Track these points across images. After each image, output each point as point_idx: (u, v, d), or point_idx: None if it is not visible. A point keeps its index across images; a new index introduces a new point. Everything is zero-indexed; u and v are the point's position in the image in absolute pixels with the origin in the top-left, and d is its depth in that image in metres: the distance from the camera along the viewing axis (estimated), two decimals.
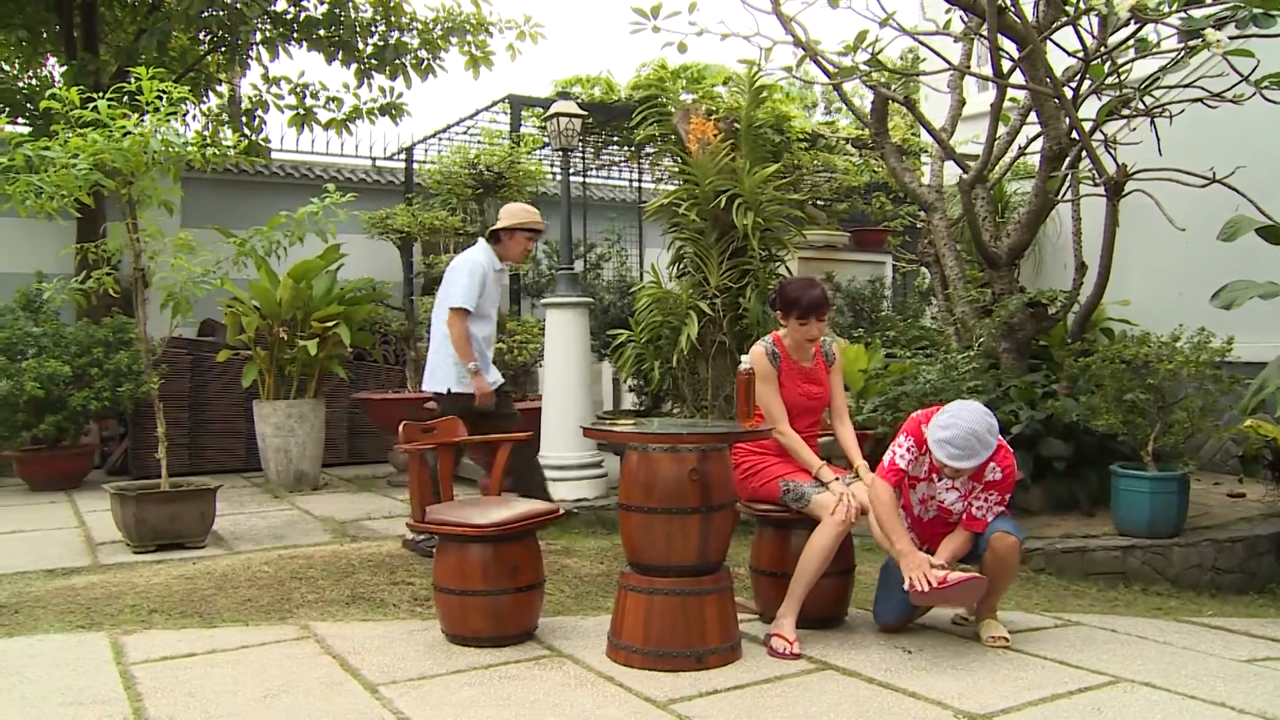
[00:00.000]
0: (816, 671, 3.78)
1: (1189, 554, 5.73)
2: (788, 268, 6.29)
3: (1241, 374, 6.15)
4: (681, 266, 6.14)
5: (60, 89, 5.69)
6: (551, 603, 4.77)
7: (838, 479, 4.16)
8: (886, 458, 4.09)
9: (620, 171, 10.41)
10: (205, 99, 9.90)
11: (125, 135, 5.49)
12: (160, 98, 5.65)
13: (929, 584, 3.85)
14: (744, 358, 4.04)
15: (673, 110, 6.30)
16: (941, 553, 4.08)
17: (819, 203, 9.15)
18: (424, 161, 9.20)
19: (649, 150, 8.05)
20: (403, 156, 10.36)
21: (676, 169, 6.13)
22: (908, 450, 4.05)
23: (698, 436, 3.85)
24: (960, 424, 3.84)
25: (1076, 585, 5.48)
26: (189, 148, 5.74)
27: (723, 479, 3.84)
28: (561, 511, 4.42)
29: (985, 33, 6.07)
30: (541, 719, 3.34)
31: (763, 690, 3.57)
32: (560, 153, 6.27)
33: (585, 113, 6.44)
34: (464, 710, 3.42)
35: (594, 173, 10.56)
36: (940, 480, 4.11)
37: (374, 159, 11.05)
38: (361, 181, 10.76)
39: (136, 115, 5.48)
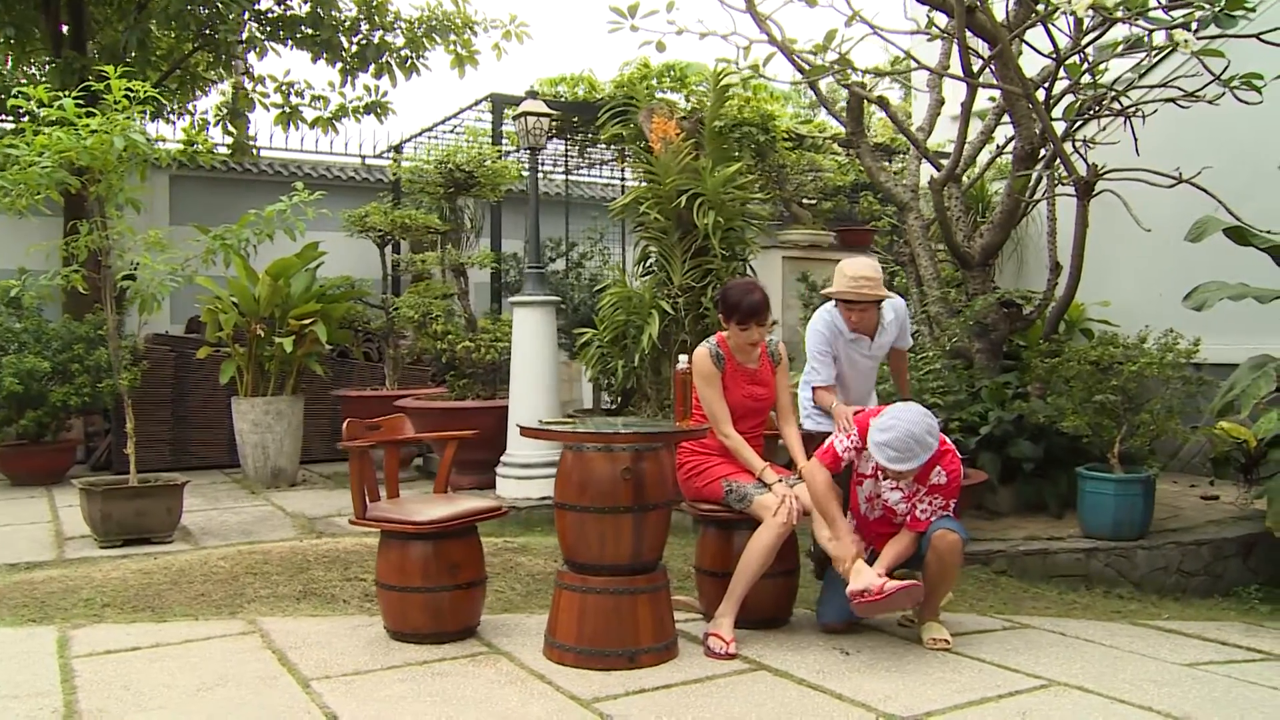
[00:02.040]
0: (749, 672, 3.77)
1: (1153, 557, 5.68)
2: (750, 267, 6.28)
3: (1218, 376, 6.10)
4: (647, 265, 6.14)
5: (29, 87, 5.73)
6: (501, 599, 4.79)
7: (781, 480, 4.15)
8: (827, 443, 4.10)
9: (610, 170, 10.41)
10: (194, 98, 9.96)
11: (92, 134, 5.52)
12: (127, 96, 5.68)
13: (865, 589, 3.83)
14: (681, 357, 4.04)
15: (639, 109, 6.29)
16: (885, 556, 4.07)
17: (804, 202, 9.11)
18: (411, 159, 9.22)
19: (614, 149, 8.07)
20: (391, 155, 10.40)
21: (641, 168, 6.13)
22: (851, 443, 4.05)
23: (631, 436, 3.85)
24: (900, 426, 3.84)
25: (1037, 588, 5.44)
26: (159, 146, 5.77)
27: (657, 478, 3.83)
28: (505, 510, 4.43)
29: (954, 32, 6.04)
30: (466, 715, 3.35)
31: (690, 690, 3.57)
32: (529, 151, 6.27)
33: (553, 112, 6.44)
34: (390, 706, 3.44)
35: (583, 171, 10.57)
36: (884, 480, 4.10)
37: (363, 157, 11.10)
38: (350, 180, 10.81)
39: (101, 114, 5.51)
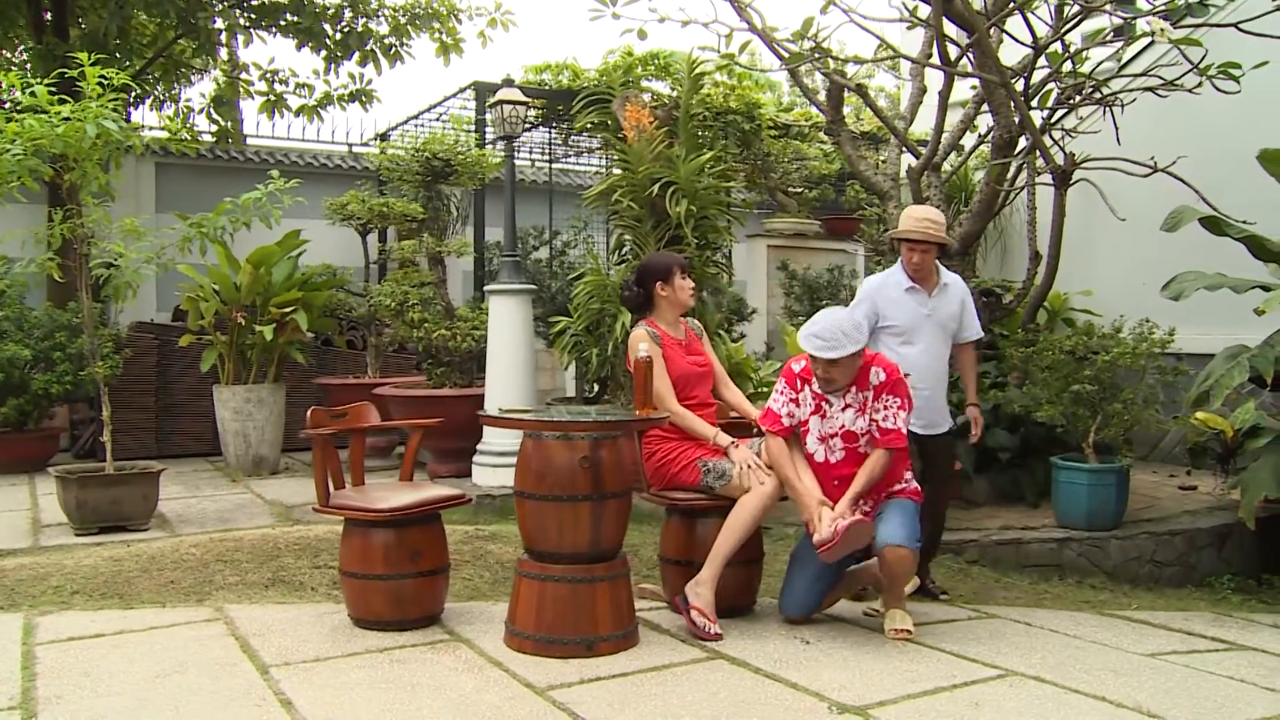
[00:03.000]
0: (707, 661, 3.77)
1: (1126, 547, 5.69)
2: (724, 254, 6.27)
3: (1199, 366, 6.08)
4: (622, 254, 6.14)
5: (6, 74, 5.72)
6: (469, 587, 4.80)
7: (736, 444, 4.20)
8: (765, 407, 4.19)
9: (597, 158, 10.37)
10: (178, 85, 9.93)
11: (64, 121, 5.50)
12: (101, 84, 5.67)
13: (829, 531, 3.85)
14: (642, 346, 4.03)
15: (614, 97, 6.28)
16: (858, 480, 4.01)
17: (790, 190, 9.09)
18: (395, 147, 9.20)
19: (599, 137, 8.05)
20: (378, 143, 10.39)
21: (616, 156, 6.12)
22: (781, 393, 4.14)
23: (589, 424, 3.84)
24: (823, 318, 4.01)
25: (1009, 578, 5.45)
26: (145, 134, 5.76)
27: (616, 466, 3.83)
28: (467, 498, 4.43)
29: (932, 20, 6.02)
30: (419, 701, 3.36)
31: (645, 679, 3.57)
32: (506, 140, 6.26)
33: (529, 99, 6.42)
34: (345, 692, 3.45)
35: (571, 159, 10.55)
36: (831, 406, 4.06)
37: (350, 145, 11.08)
38: (338, 168, 10.78)
39: (73, 101, 5.50)
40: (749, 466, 4.10)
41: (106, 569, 5.03)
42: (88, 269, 5.98)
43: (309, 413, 4.34)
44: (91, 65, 5.68)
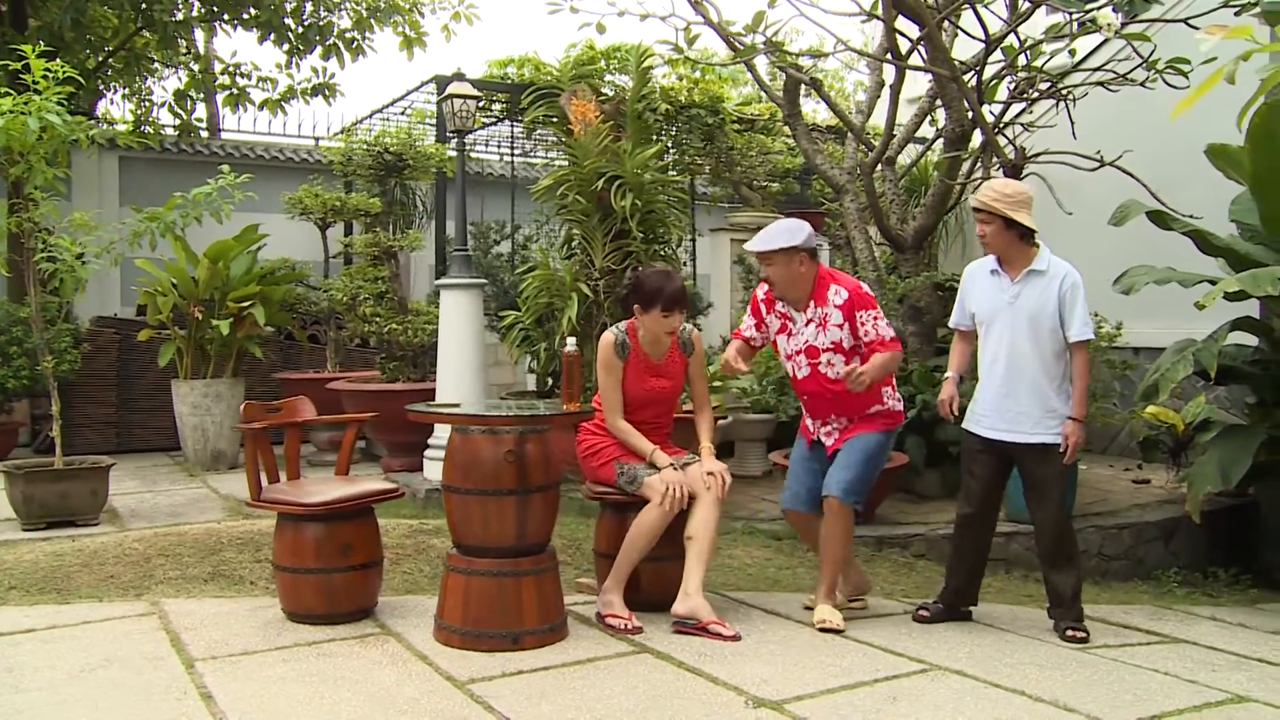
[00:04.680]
0: (632, 655, 3.77)
1: None
2: (672, 248, 6.27)
3: (1153, 360, 6.10)
4: (570, 248, 6.13)
5: None
6: (408, 581, 4.79)
7: (671, 464, 4.13)
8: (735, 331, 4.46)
9: (560, 153, 10.33)
10: (140, 78, 9.87)
11: (6, 115, 5.46)
12: (46, 77, 5.63)
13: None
14: (570, 340, 4.03)
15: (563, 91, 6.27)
16: (872, 363, 4.05)
17: (754, 185, 9.08)
18: (359, 142, 9.17)
19: (537, 132, 8.06)
20: (343, 137, 10.33)
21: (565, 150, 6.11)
22: (748, 319, 4.37)
23: (515, 418, 3.84)
24: (769, 225, 4.23)
25: None
26: (81, 128, 5.72)
27: (541, 460, 3.82)
28: (401, 492, 4.42)
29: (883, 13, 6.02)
30: (338, 695, 3.35)
31: (568, 673, 3.57)
32: (457, 134, 6.24)
33: (478, 93, 6.40)
34: (267, 686, 3.44)
35: (539, 153, 10.51)
36: (794, 324, 4.21)
37: (317, 139, 11.04)
38: (304, 162, 10.74)
39: (15, 95, 5.46)
40: (670, 491, 4.02)
41: (47, 564, 5.01)
42: (32, 263, 5.94)
43: (242, 407, 4.33)
44: (47, 58, 5.64)
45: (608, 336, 4.24)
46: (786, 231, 4.09)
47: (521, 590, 3.79)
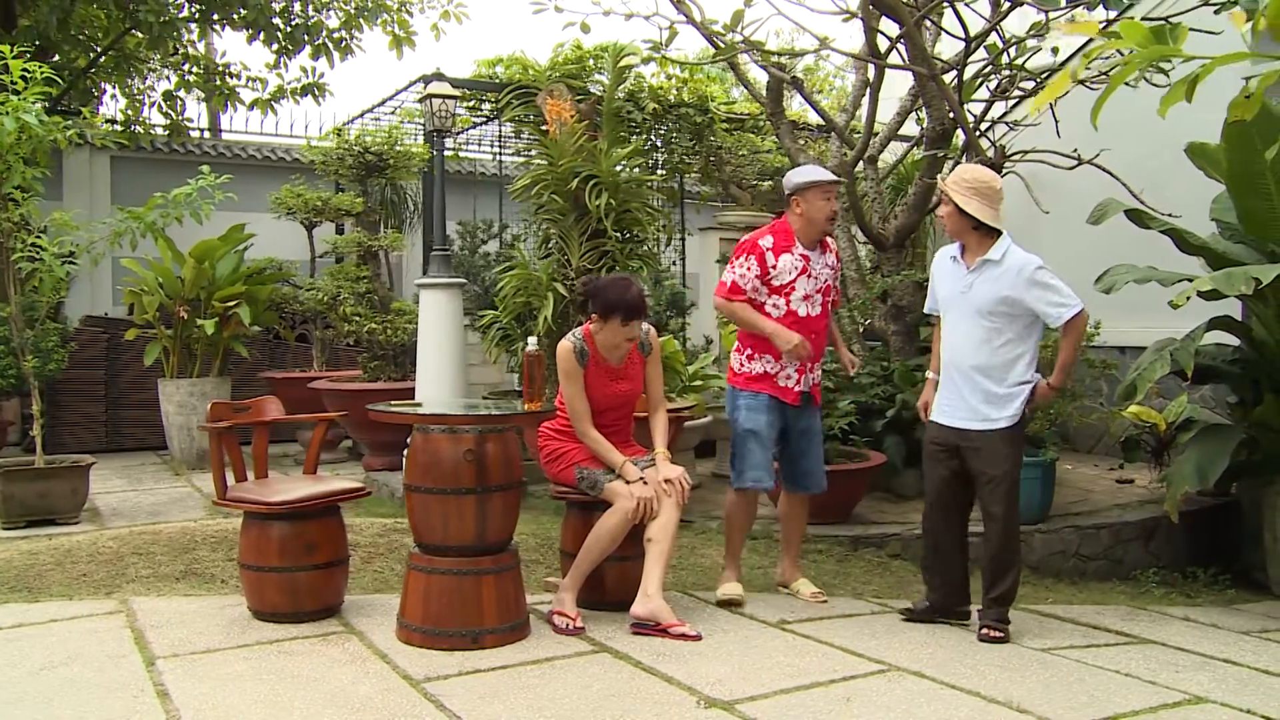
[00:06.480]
0: (591, 654, 3.77)
1: (1050, 540, 5.69)
2: (649, 248, 6.26)
3: (1135, 359, 6.07)
4: (547, 248, 6.14)
5: None
6: (378, 579, 4.80)
7: (642, 478, 4.09)
8: (727, 279, 4.41)
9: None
10: (131, 79, 9.89)
11: None
12: (24, 77, 5.66)
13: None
14: (530, 339, 4.02)
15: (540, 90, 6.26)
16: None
17: (743, 183, 9.06)
18: (346, 142, 9.19)
19: (512, 132, 8.05)
20: (336, 136, 10.34)
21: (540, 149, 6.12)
22: (749, 269, 4.35)
23: (475, 418, 3.85)
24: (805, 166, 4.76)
25: None
26: (59, 129, 5.74)
27: (502, 460, 3.83)
28: (367, 491, 4.43)
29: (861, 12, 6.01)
30: (293, 693, 3.36)
31: (524, 671, 3.57)
32: (436, 133, 6.24)
33: (457, 92, 6.40)
34: (224, 684, 3.45)
35: (530, 152, 10.50)
36: (814, 264, 4.42)
37: (309, 139, 11.06)
38: (295, 161, 10.75)
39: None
40: (639, 507, 4.01)
41: (21, 562, 5.02)
42: (11, 263, 5.96)
43: (209, 406, 4.34)
44: (37, 58, 5.67)
45: (566, 345, 4.15)
46: (823, 169, 4.49)
47: (481, 589, 3.79)
